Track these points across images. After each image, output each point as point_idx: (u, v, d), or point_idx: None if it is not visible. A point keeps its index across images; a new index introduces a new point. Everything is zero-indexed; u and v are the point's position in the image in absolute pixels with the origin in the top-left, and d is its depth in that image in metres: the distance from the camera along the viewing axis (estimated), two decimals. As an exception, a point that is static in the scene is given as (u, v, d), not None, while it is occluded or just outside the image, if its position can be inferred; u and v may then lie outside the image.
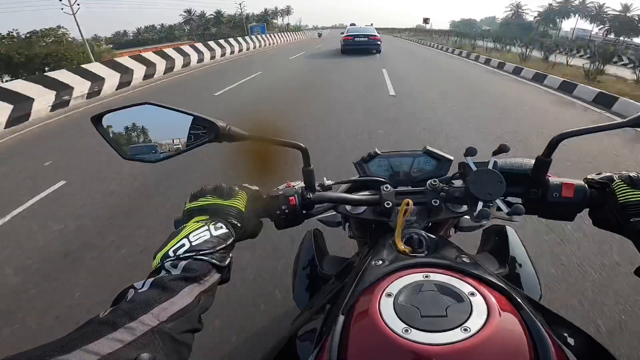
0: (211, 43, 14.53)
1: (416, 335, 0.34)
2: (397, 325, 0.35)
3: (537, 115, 4.99)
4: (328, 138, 3.97)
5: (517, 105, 5.63)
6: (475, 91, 6.77)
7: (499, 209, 0.54)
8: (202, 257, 0.43)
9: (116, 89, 8.13)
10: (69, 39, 33.02)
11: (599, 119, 4.88)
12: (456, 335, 0.33)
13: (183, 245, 0.44)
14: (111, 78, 8.06)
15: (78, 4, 25.47)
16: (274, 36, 24.99)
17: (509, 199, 0.60)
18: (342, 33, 15.88)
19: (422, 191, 0.61)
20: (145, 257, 2.02)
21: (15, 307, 1.78)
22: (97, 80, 7.59)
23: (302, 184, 0.62)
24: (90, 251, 2.19)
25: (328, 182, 0.66)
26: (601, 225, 0.56)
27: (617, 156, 3.43)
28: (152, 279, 0.40)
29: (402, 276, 0.42)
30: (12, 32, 31.47)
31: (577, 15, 70.29)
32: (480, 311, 0.36)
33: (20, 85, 6.09)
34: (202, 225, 0.47)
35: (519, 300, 0.39)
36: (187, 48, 12.11)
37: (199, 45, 13.37)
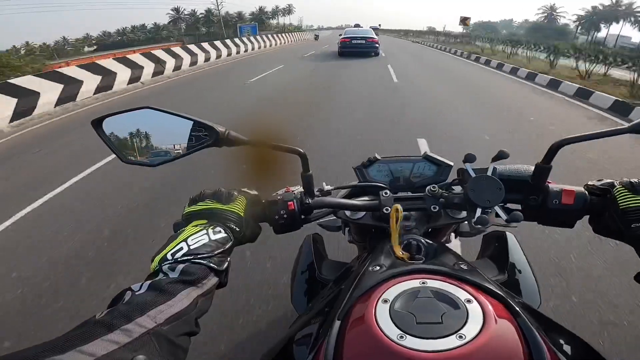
0: (178, 50, 11.51)
1: (411, 342, 0.34)
2: (393, 332, 0.35)
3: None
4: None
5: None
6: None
7: (497, 215, 0.54)
8: (200, 260, 0.44)
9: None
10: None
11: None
12: (451, 342, 0.33)
13: (181, 248, 0.44)
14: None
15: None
16: (265, 39, 21.43)
17: (509, 205, 0.60)
18: (340, 34, 15.66)
19: (422, 197, 0.61)
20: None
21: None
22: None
23: (301, 189, 0.62)
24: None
25: (327, 187, 0.66)
26: (601, 232, 0.55)
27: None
28: (150, 281, 0.40)
29: (399, 282, 0.42)
30: None
31: (623, 20, 61.82)
32: (476, 318, 0.36)
33: None
34: (201, 230, 0.47)
35: (516, 307, 0.39)
36: (137, 57, 9.45)
37: (158, 53, 10.40)
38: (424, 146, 3.75)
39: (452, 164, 0.72)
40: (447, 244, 0.75)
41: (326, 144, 3.91)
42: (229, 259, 0.49)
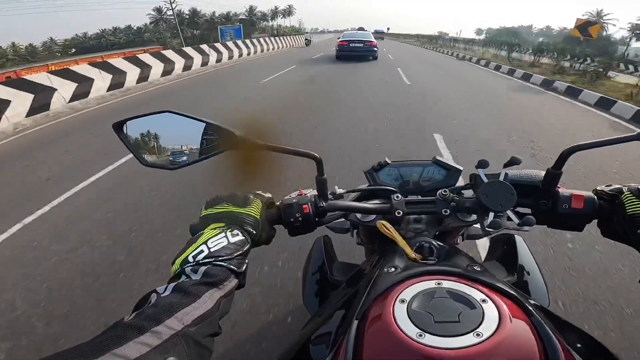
0: (120, 62, 8.67)
1: (430, 340, 0.35)
2: (411, 330, 0.36)
3: None
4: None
5: None
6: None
7: (509, 219, 0.55)
8: (221, 262, 0.45)
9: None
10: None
11: None
12: (469, 340, 0.34)
13: (202, 251, 0.45)
14: None
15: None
16: (249, 44, 17.47)
17: (519, 209, 0.61)
18: (339, 38, 15.49)
19: (433, 200, 0.63)
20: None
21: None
22: None
23: (314, 192, 0.63)
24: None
25: (339, 191, 0.67)
26: (610, 236, 0.56)
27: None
28: (174, 283, 0.41)
29: (414, 283, 0.43)
30: None
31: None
32: (492, 317, 0.37)
33: None
34: (220, 232, 0.48)
35: (529, 307, 0.40)
36: (81, 67, 7.62)
37: (115, 61, 8.59)
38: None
39: (461, 168, 0.73)
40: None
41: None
42: (247, 260, 0.49)
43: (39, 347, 1.55)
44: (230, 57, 14.66)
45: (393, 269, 0.48)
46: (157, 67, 9.84)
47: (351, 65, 12.14)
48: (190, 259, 0.44)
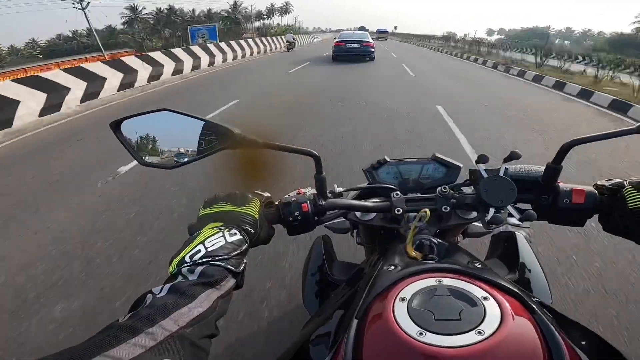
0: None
1: (431, 338, 0.34)
2: (412, 329, 0.35)
3: None
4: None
5: None
6: None
7: (510, 215, 0.55)
8: (218, 262, 0.44)
9: None
10: None
11: None
12: (471, 338, 0.34)
13: (199, 251, 0.45)
14: None
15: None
16: (222, 47, 13.56)
17: (520, 205, 0.60)
18: (335, 38, 15.01)
19: (433, 198, 0.62)
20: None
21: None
22: None
23: (313, 191, 0.63)
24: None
25: (338, 189, 0.67)
26: (611, 231, 0.56)
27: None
28: (170, 284, 0.40)
29: (414, 281, 0.43)
30: None
31: None
32: (494, 315, 0.36)
33: None
34: (217, 232, 0.48)
35: (532, 304, 0.39)
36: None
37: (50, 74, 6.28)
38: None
39: (461, 165, 0.73)
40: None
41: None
42: (245, 260, 0.49)
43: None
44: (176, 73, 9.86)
45: (393, 267, 0.48)
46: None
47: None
48: (187, 259, 0.44)
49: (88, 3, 31.67)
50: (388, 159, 0.75)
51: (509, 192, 0.54)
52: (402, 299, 0.40)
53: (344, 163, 3.46)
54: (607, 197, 0.56)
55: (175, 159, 0.55)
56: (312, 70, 11.16)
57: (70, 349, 0.30)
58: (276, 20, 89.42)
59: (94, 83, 7.10)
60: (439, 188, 0.62)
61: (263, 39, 19.27)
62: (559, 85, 8.52)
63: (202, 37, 25.91)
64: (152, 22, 63.41)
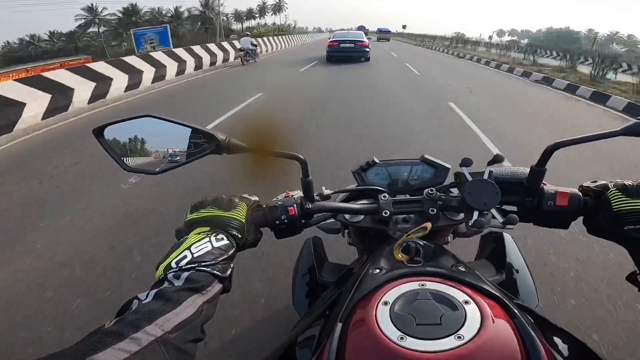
0: None
1: (411, 343, 0.34)
2: (393, 333, 0.36)
3: None
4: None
5: None
6: None
7: (494, 217, 0.55)
8: (204, 268, 0.44)
9: None
10: None
11: None
12: (450, 342, 0.34)
13: (185, 256, 0.45)
14: None
15: None
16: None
17: (506, 207, 0.61)
18: (330, 38, 14.72)
19: (420, 200, 0.62)
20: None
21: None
22: None
23: (301, 194, 0.63)
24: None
25: (327, 192, 0.67)
26: (595, 233, 0.56)
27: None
28: (156, 290, 0.41)
29: (398, 285, 0.43)
30: None
31: None
32: (474, 319, 0.37)
33: None
34: (204, 237, 0.48)
35: (513, 308, 0.40)
36: None
37: None
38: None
39: (449, 166, 0.73)
40: (445, 245, 0.76)
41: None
42: (232, 265, 0.49)
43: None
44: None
45: (378, 271, 0.48)
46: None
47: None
48: (173, 264, 0.44)
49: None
50: (377, 160, 0.75)
51: (492, 196, 0.54)
52: (385, 303, 0.40)
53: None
54: (592, 199, 0.56)
55: (159, 164, 0.55)
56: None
57: (56, 354, 0.31)
58: (269, 19, 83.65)
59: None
60: (426, 190, 0.62)
61: (213, 45, 13.25)
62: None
63: (151, 43, 19.65)
64: (114, 23, 52.70)
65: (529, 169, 0.59)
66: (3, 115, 5.00)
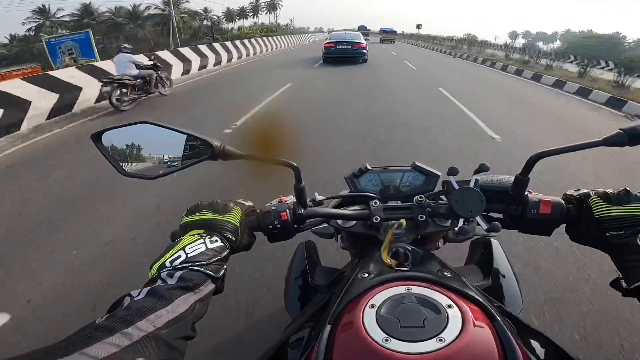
0: None
1: (395, 345, 0.36)
2: (378, 335, 0.37)
3: None
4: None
5: None
6: None
7: (479, 224, 0.57)
8: (197, 267, 0.46)
9: None
10: None
11: None
12: (432, 345, 0.36)
13: (179, 256, 0.46)
14: None
15: None
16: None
17: (491, 214, 0.63)
18: (326, 39, 14.33)
19: (410, 207, 0.64)
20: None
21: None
22: None
23: (294, 200, 0.64)
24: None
25: (319, 197, 0.68)
26: (578, 240, 0.58)
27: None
28: (149, 287, 0.42)
29: (385, 289, 0.45)
30: None
31: None
32: (456, 322, 0.38)
33: None
34: (198, 238, 0.49)
35: (494, 312, 0.42)
36: None
37: None
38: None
39: (439, 173, 0.75)
40: (435, 250, 0.78)
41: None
42: (225, 266, 0.51)
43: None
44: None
45: (367, 275, 0.50)
46: None
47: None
48: (167, 264, 0.45)
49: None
50: (369, 167, 0.77)
51: (478, 204, 0.56)
52: (372, 306, 0.42)
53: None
54: (574, 207, 0.58)
55: (156, 169, 0.56)
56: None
57: (47, 347, 0.32)
58: (264, 18, 75.85)
59: None
60: (416, 197, 0.64)
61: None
62: None
63: (70, 54, 15.70)
64: (71, 26, 39.78)
65: (513, 178, 0.61)
66: None
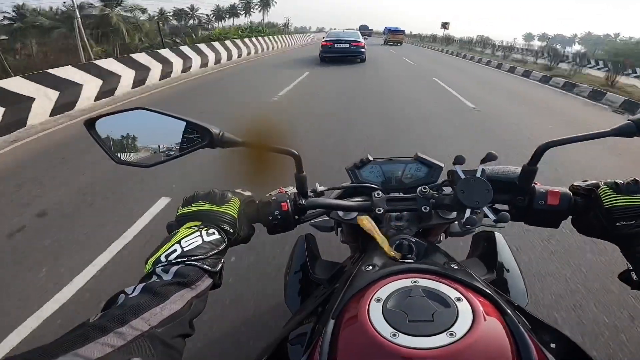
0: None
1: (404, 340, 0.34)
2: (386, 330, 0.36)
3: None
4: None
5: None
6: None
7: (486, 215, 0.56)
8: (194, 262, 0.44)
9: None
10: None
11: None
12: (442, 339, 0.34)
13: (175, 250, 0.44)
14: None
15: None
16: None
17: (497, 205, 0.61)
18: (323, 38, 13.88)
19: (413, 198, 0.63)
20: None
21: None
22: None
23: (295, 190, 0.63)
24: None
25: (320, 188, 0.67)
26: (585, 232, 0.57)
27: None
28: (143, 284, 0.40)
29: (391, 281, 0.43)
30: None
31: None
32: (466, 316, 0.37)
33: None
34: (195, 231, 0.47)
35: (504, 305, 0.40)
36: None
37: None
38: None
39: (442, 165, 0.74)
40: (438, 244, 0.77)
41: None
42: (222, 260, 0.49)
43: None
44: None
45: (371, 267, 0.48)
46: None
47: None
48: (162, 258, 0.43)
49: None
50: (371, 158, 0.75)
51: (485, 193, 0.54)
52: (378, 300, 0.40)
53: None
54: (582, 198, 0.57)
55: (152, 157, 0.54)
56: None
57: (40, 348, 0.30)
58: (257, 17, 71.37)
59: None
60: (419, 188, 0.62)
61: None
62: None
63: None
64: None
65: (520, 168, 0.60)
66: None
